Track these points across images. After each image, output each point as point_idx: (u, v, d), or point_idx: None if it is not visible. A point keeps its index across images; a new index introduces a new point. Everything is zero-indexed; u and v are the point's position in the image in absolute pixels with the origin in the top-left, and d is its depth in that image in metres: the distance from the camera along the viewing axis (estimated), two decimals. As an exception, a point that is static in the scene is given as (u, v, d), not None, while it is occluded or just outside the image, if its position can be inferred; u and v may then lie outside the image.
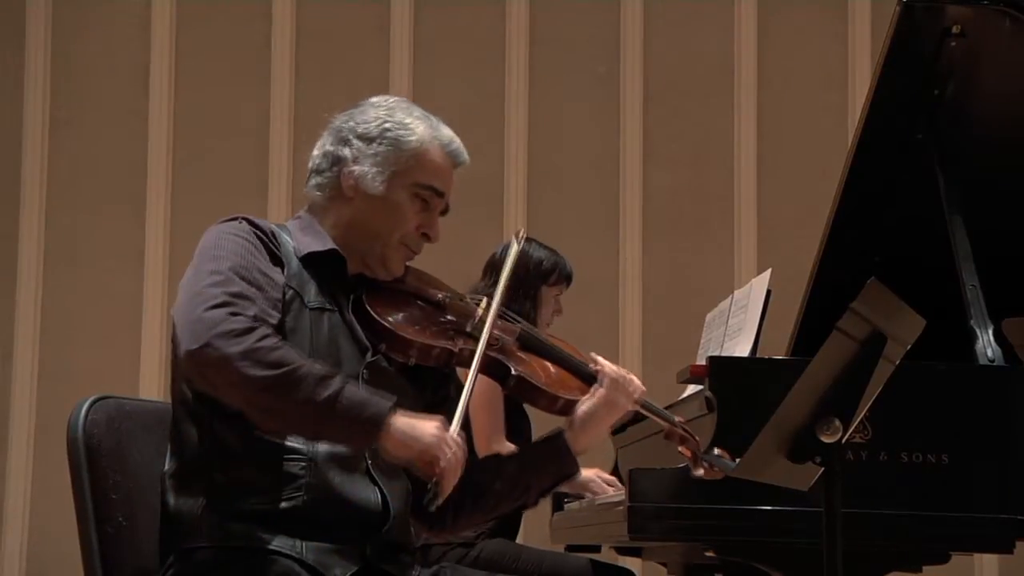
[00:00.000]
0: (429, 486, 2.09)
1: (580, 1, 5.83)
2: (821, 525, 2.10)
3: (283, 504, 2.13)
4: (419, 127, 2.33)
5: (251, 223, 2.24)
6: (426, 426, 2.10)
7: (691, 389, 3.22)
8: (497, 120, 5.75)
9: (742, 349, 3.08)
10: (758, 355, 3.05)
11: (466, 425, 3.65)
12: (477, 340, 2.27)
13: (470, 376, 2.22)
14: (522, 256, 3.87)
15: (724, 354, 3.17)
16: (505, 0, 5.81)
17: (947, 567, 2.82)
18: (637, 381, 2.35)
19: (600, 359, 2.36)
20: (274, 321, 2.12)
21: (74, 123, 5.76)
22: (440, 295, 2.35)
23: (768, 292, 3.11)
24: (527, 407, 3.92)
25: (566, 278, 3.91)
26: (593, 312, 5.48)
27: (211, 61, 5.78)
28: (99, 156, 5.73)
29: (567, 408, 2.33)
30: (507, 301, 2.40)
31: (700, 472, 2.33)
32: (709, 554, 2.80)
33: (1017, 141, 3.19)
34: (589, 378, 2.35)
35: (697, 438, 2.36)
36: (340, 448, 2.16)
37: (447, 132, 2.37)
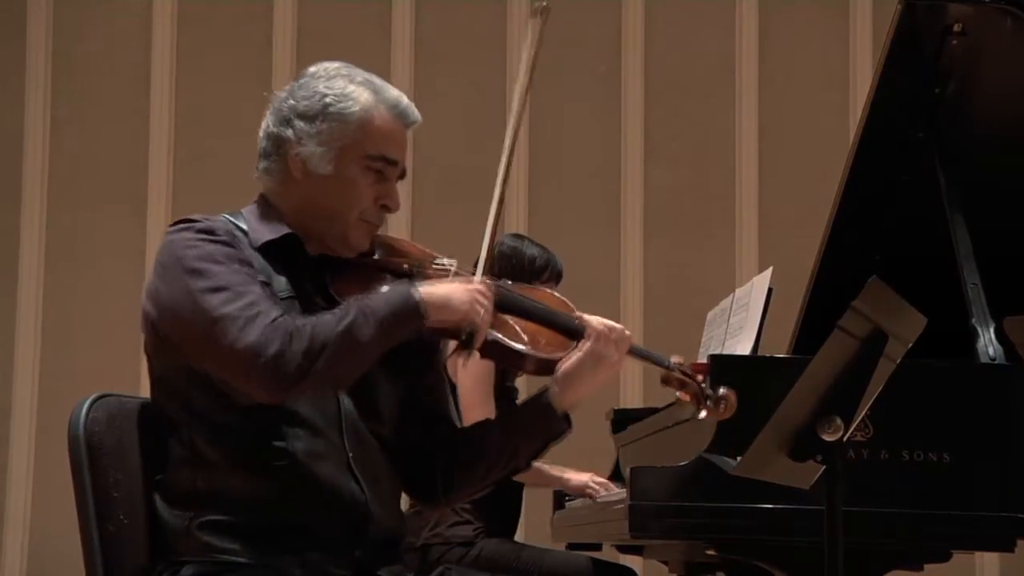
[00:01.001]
0: (463, 336, 2.13)
1: (581, 0, 5.83)
2: (822, 523, 2.09)
3: (270, 513, 2.12)
4: (362, 94, 2.23)
5: (203, 221, 2.18)
6: (456, 292, 2.14)
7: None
8: (498, 119, 5.74)
9: (743, 347, 3.08)
10: (759, 353, 3.05)
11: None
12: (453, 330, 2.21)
13: (489, 223, 2.24)
14: (515, 253, 3.88)
15: (725, 352, 3.17)
16: (506, -1, 5.82)
17: (948, 566, 2.82)
18: (624, 330, 2.27)
19: (592, 317, 2.29)
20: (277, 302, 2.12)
21: (75, 122, 5.76)
22: (406, 264, 2.28)
23: (769, 290, 3.11)
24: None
25: (556, 276, 3.93)
26: (594, 310, 5.46)
27: (212, 60, 5.78)
28: (100, 155, 5.73)
29: (550, 367, 2.23)
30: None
31: (704, 414, 2.25)
32: (710, 552, 2.79)
33: (1018, 140, 3.18)
34: (573, 332, 2.26)
35: (698, 378, 2.27)
36: (318, 446, 2.15)
37: (393, 93, 2.26)
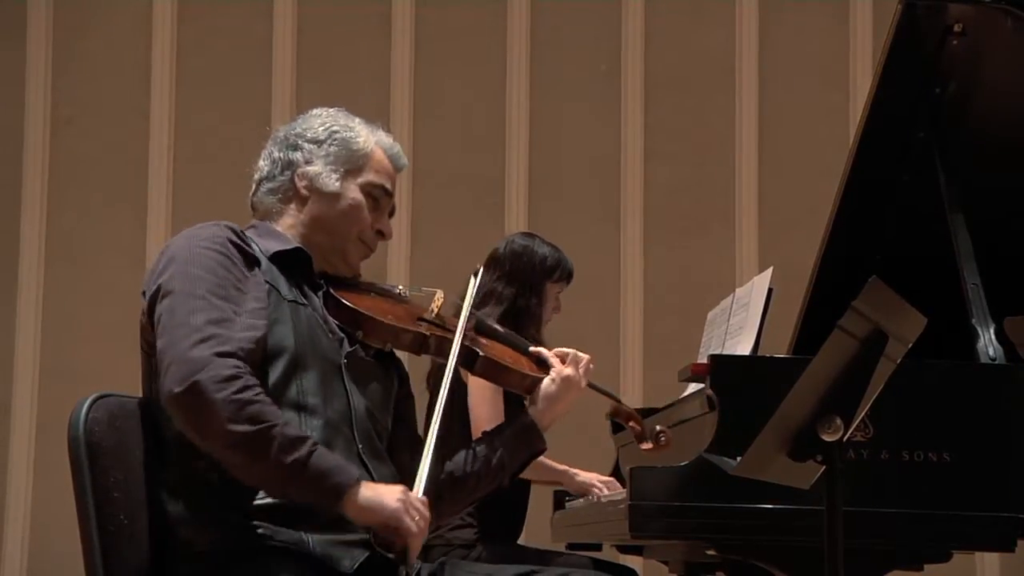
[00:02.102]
0: (393, 555, 2.10)
1: (581, -1, 5.84)
2: (822, 523, 2.10)
3: (281, 504, 2.13)
4: (363, 131, 2.42)
5: (227, 228, 2.27)
6: (389, 495, 2.11)
7: (692, 388, 3.22)
8: (498, 117, 5.75)
9: (743, 347, 3.08)
10: (759, 353, 3.05)
11: (465, 421, 3.67)
12: (438, 327, 2.37)
13: (447, 373, 2.31)
14: (526, 251, 3.88)
15: (725, 352, 3.17)
16: (506, -2, 5.82)
17: (948, 566, 2.82)
18: (583, 356, 2.45)
19: (545, 349, 2.47)
20: (259, 334, 2.15)
21: (75, 121, 5.76)
22: (398, 289, 2.47)
23: (770, 290, 3.11)
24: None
25: (567, 276, 3.92)
26: (593, 310, 5.48)
27: (212, 59, 5.78)
28: (100, 154, 5.73)
29: (533, 385, 2.43)
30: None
31: (648, 446, 2.46)
32: (710, 552, 2.80)
33: (1018, 140, 3.18)
34: (538, 360, 2.46)
35: (639, 419, 2.50)
36: (331, 436, 2.19)
37: (388, 138, 2.45)
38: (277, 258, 2.30)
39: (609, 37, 5.83)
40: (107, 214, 5.69)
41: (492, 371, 2.41)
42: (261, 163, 2.43)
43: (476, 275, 2.52)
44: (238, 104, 5.74)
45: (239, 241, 2.26)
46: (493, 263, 3.87)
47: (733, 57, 5.84)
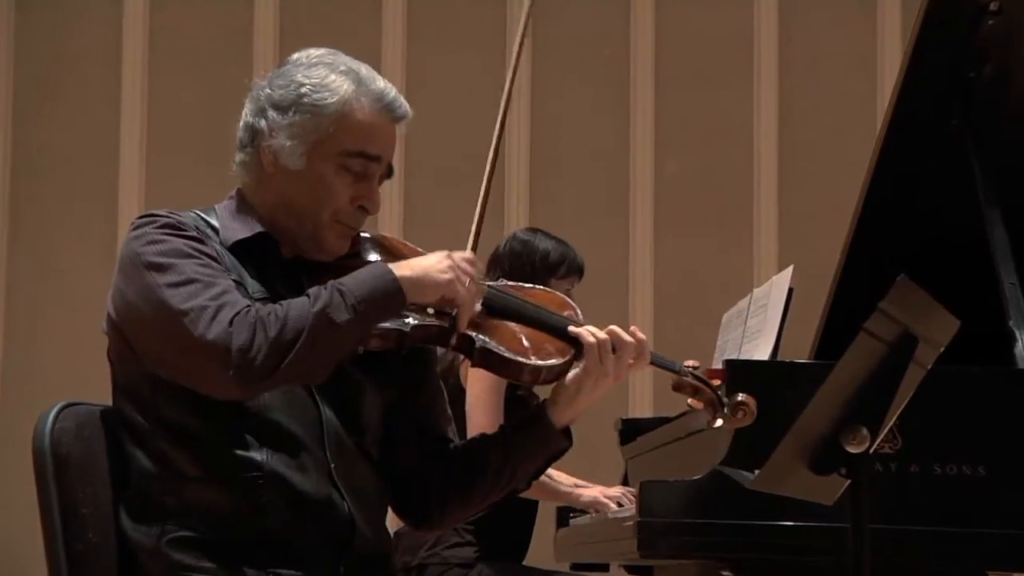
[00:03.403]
0: (447, 323, 2.15)
1: (586, -23, 5.84)
2: (847, 542, 2.10)
3: (245, 529, 2.12)
4: (342, 85, 2.23)
5: (168, 216, 2.20)
6: (435, 265, 2.15)
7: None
8: (496, 105, 5.74)
9: (762, 352, 3.08)
10: (779, 358, 3.05)
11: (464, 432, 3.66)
12: (435, 313, 2.19)
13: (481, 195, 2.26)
14: (527, 247, 3.86)
15: (742, 357, 3.17)
16: (505, -24, 5.82)
17: (983, 587, 2.82)
18: (632, 340, 2.26)
19: (583, 328, 2.26)
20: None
21: (40, 110, 5.76)
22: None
23: (790, 290, 3.11)
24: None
25: (577, 270, 3.90)
26: (600, 312, 5.43)
27: (189, 42, 5.79)
28: (67, 145, 5.74)
29: (548, 376, 2.24)
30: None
31: (720, 423, 2.25)
32: (725, 573, 2.80)
33: (1059, 128, 3.19)
34: (571, 337, 2.26)
35: (713, 383, 2.26)
36: (296, 457, 2.15)
37: (379, 85, 2.25)
38: (240, 247, 2.21)
39: (616, 18, 5.84)
40: (75, 208, 5.70)
41: (496, 364, 2.22)
42: (239, 123, 2.30)
43: (475, 227, 2.35)
44: (217, 91, 5.74)
45: (193, 232, 2.18)
46: (493, 264, 3.87)
47: (751, 39, 5.84)
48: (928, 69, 3.17)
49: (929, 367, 2.10)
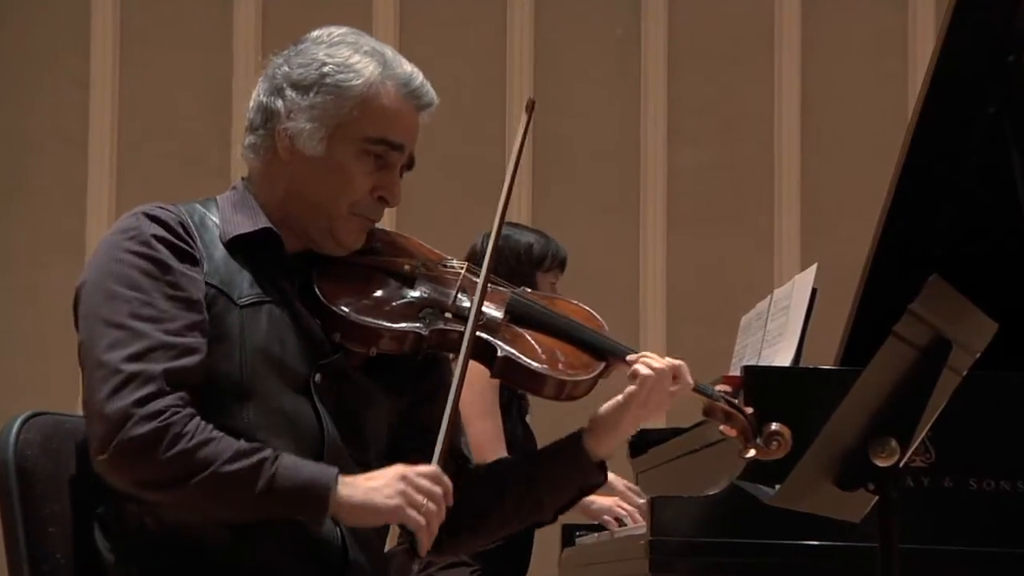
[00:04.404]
0: (403, 538, 2.09)
1: (594, -49, 5.84)
2: (875, 563, 2.10)
3: (228, 556, 2.11)
4: (367, 66, 2.22)
5: (152, 218, 2.18)
6: (381, 492, 2.07)
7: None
8: (497, 92, 5.75)
9: (783, 358, 3.08)
10: (801, 364, 3.05)
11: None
12: (455, 317, 2.21)
13: (458, 366, 2.14)
14: (507, 243, 3.87)
15: (762, 363, 3.17)
16: (506, -49, 5.82)
17: (1022, 612, 2.83)
18: (682, 365, 2.26)
19: (640, 356, 2.25)
20: (193, 361, 2.10)
21: (3, 95, 5.76)
22: (407, 265, 2.28)
23: (813, 291, 3.11)
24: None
25: (560, 264, 3.93)
26: (609, 314, 5.43)
27: (163, 25, 5.78)
28: (33, 134, 5.74)
29: (573, 392, 2.24)
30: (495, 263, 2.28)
31: (752, 453, 2.25)
32: (745, 597, 2.80)
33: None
34: (600, 351, 2.27)
35: (747, 410, 2.26)
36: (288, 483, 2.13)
37: (405, 68, 2.25)
38: (239, 243, 2.19)
39: (626, -5, 5.84)
40: (41, 202, 5.69)
41: (518, 375, 2.21)
42: (250, 103, 2.28)
43: (491, 235, 2.28)
44: (194, 75, 5.74)
45: (170, 237, 2.16)
46: (473, 261, 3.88)
47: (772, 18, 5.84)
48: (964, 51, 3.17)
49: (964, 374, 2.10)
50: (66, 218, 5.67)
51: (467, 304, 2.22)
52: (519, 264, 3.82)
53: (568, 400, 2.25)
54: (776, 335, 3.20)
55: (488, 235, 3.83)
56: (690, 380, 2.26)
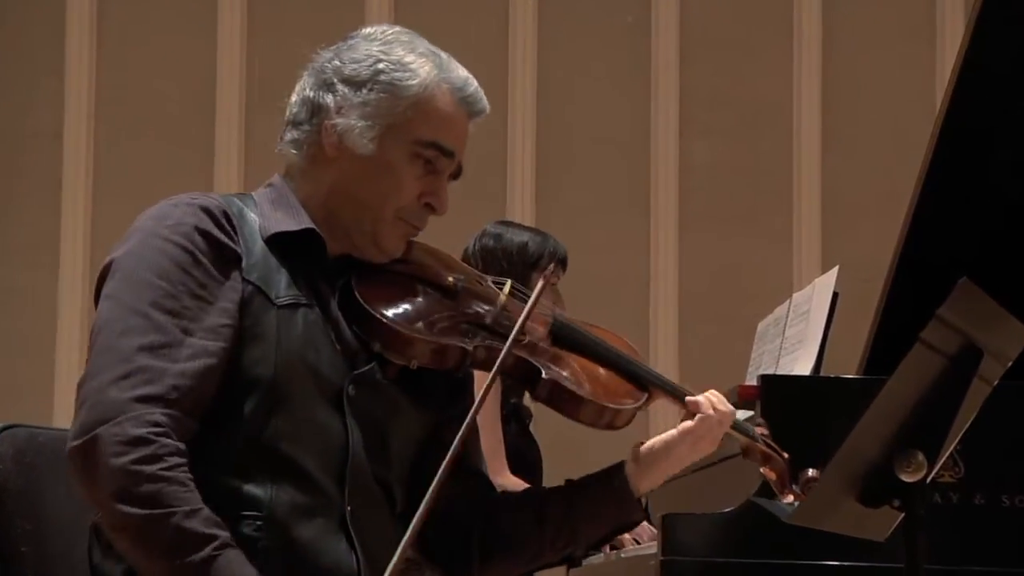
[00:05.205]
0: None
1: (602, -67, 5.85)
2: (901, 585, 2.10)
3: None
4: (424, 67, 2.27)
5: (198, 207, 2.19)
6: None
7: (739, 415, 3.22)
8: (498, 83, 5.75)
9: (802, 366, 3.08)
10: (822, 373, 3.05)
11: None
12: (496, 334, 2.25)
13: (485, 383, 2.15)
14: (499, 242, 3.87)
15: (780, 372, 3.17)
16: (507, -67, 5.83)
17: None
18: (729, 406, 2.31)
19: (700, 397, 2.30)
20: (213, 362, 2.10)
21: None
22: (451, 278, 2.31)
23: (835, 295, 3.11)
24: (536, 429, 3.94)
25: (561, 261, 3.92)
26: (617, 318, 5.48)
27: (144, 10, 5.79)
28: (4, 125, 5.74)
29: (614, 422, 2.28)
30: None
31: (790, 499, 2.30)
32: (762, 620, 2.80)
33: None
34: (641, 381, 2.32)
35: (786, 455, 2.31)
36: (307, 498, 2.15)
37: (460, 73, 2.31)
38: (279, 241, 2.21)
39: (636, -20, 5.85)
40: (12, 200, 5.70)
41: (562, 400, 2.25)
42: (293, 97, 2.31)
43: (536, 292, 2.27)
44: (176, 63, 5.74)
45: (214, 230, 2.17)
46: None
47: (791, 4, 5.84)
48: (997, 39, 3.16)
49: (995, 383, 2.10)
50: (39, 216, 5.67)
51: (510, 323, 2.25)
52: (511, 265, 3.82)
53: (606, 429, 2.29)
54: (795, 342, 3.20)
55: (481, 236, 3.85)
56: (729, 414, 2.31)
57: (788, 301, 3.37)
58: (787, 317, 3.33)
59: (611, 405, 2.28)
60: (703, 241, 5.75)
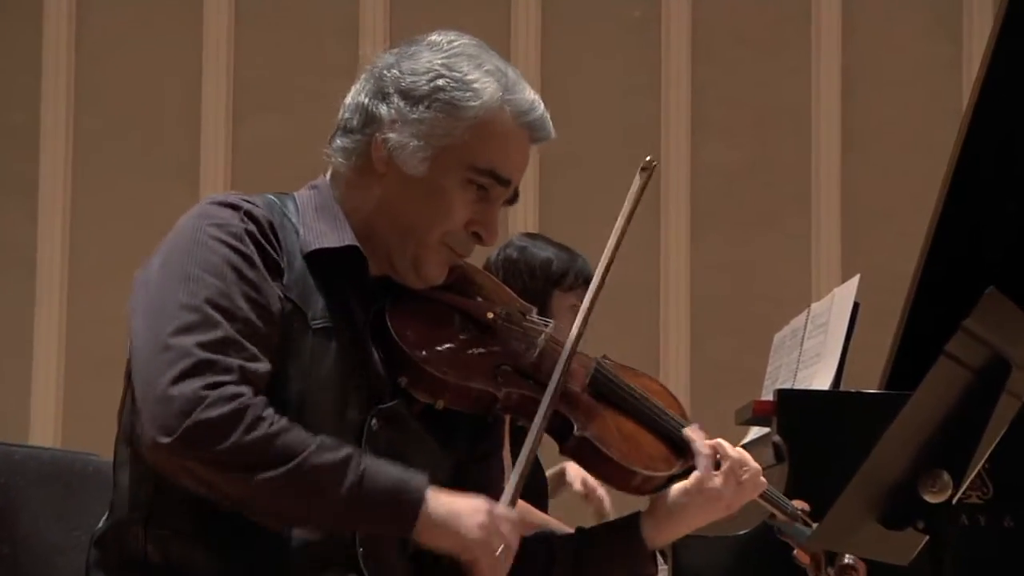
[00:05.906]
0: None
1: (609, -77, 5.86)
2: (926, 611, 2.11)
3: None
4: (487, 87, 2.22)
5: (246, 214, 2.16)
6: (471, 514, 2.09)
7: (754, 432, 3.22)
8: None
9: (821, 380, 3.09)
10: (842, 388, 3.06)
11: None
12: (533, 382, 2.22)
13: (533, 430, 2.16)
14: (522, 256, 3.88)
15: (798, 386, 3.18)
16: (510, -77, 5.84)
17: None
18: (758, 469, 2.30)
19: (711, 443, 2.29)
20: (264, 368, 2.09)
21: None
22: (491, 313, 2.28)
23: (855, 305, 3.12)
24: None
25: (585, 281, 3.93)
26: (627, 328, 5.48)
27: (125, 7, 5.79)
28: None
29: (644, 487, 2.28)
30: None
31: None
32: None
33: None
34: (679, 446, 2.30)
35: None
36: (315, 535, 2.14)
37: (527, 96, 2.25)
38: (320, 258, 2.19)
39: (646, -27, 5.86)
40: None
41: (590, 458, 2.24)
42: (347, 99, 2.27)
43: (589, 295, 2.31)
44: (159, 62, 5.75)
45: (260, 237, 2.15)
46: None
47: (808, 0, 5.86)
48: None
49: (1024, 399, 2.11)
50: (14, 221, 5.67)
51: (547, 369, 2.23)
52: (532, 280, 3.82)
53: (634, 493, 2.29)
54: (813, 355, 3.20)
55: (505, 247, 3.86)
56: (761, 482, 2.31)
57: (806, 311, 3.38)
58: (805, 328, 3.33)
59: (643, 471, 2.26)
60: (716, 245, 5.75)
